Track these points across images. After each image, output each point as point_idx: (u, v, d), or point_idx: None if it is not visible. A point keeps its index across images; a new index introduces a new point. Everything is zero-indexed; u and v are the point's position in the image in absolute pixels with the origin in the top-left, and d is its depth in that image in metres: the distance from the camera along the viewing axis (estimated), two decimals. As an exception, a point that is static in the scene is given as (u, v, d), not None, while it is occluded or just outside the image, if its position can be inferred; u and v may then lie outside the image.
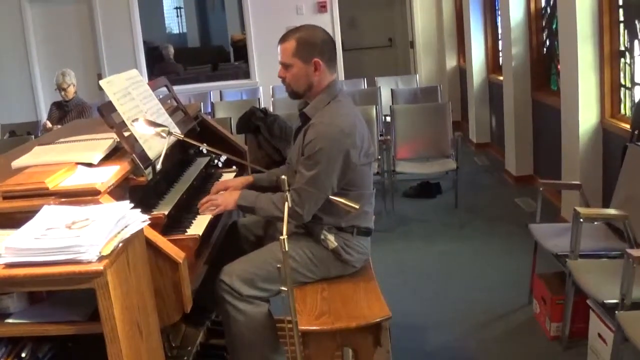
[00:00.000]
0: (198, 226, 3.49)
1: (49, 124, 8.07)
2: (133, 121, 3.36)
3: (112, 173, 3.05)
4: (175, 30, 16.61)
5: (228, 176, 4.51)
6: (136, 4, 11.81)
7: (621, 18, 5.76)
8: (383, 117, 9.17)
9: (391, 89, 9.66)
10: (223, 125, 5.54)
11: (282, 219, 2.91)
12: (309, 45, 3.63)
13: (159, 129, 3.38)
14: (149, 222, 2.85)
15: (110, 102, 3.44)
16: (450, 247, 6.46)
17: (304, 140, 3.59)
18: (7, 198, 2.84)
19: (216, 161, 4.58)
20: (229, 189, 3.91)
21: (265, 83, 11.42)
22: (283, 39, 3.68)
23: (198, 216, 3.63)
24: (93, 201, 2.82)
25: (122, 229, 2.58)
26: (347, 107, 3.72)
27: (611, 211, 4.63)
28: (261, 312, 3.64)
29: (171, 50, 13.12)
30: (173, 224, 3.43)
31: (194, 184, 4.06)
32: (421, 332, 4.84)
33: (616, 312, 3.48)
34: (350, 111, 3.71)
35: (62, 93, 8.10)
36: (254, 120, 7.48)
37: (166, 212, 3.34)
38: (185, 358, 3.72)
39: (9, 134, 8.45)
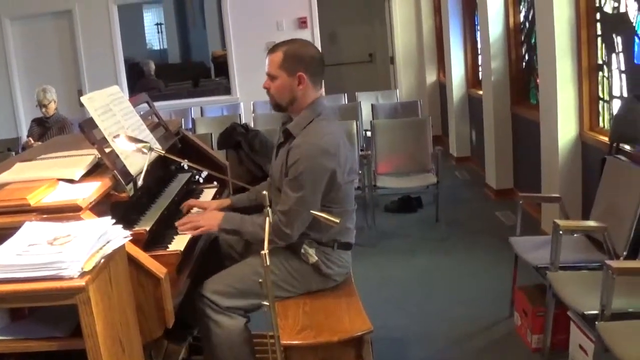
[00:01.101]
0: (180, 242, 3.49)
1: (30, 141, 8.05)
2: (114, 137, 3.37)
3: (93, 189, 3.06)
4: (156, 47, 16.61)
5: (209, 192, 4.51)
6: (117, 20, 11.82)
7: (599, 32, 5.80)
8: (364, 132, 9.19)
9: (371, 104, 9.69)
10: (204, 141, 5.55)
11: (270, 242, 2.92)
12: (295, 58, 3.63)
13: (140, 145, 3.39)
14: (131, 238, 2.86)
15: (91, 119, 3.45)
16: (431, 261, 6.47)
17: (287, 160, 3.59)
18: (-11, 214, 2.84)
19: (197, 177, 4.58)
20: (207, 210, 3.93)
21: (246, 99, 11.44)
22: (271, 50, 3.69)
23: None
24: (75, 217, 2.82)
25: (104, 245, 2.59)
26: (332, 126, 3.71)
27: (590, 223, 4.65)
28: (238, 326, 3.66)
29: (152, 66, 13.11)
30: (155, 240, 3.44)
31: (176, 199, 4.06)
32: (403, 346, 4.85)
33: (596, 323, 3.50)
34: (335, 130, 3.70)
35: (43, 109, 8.09)
36: (235, 136, 7.49)
37: (148, 228, 3.35)
38: (168, 374, 3.73)
39: (-12, 150, 8.43)
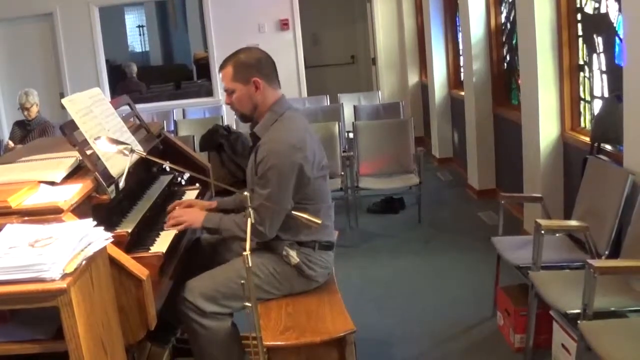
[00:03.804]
0: (162, 243, 3.49)
1: (11, 144, 8.01)
2: (95, 139, 3.36)
3: (74, 191, 3.05)
4: (138, 49, 16.58)
5: (191, 193, 4.51)
6: (98, 22, 11.79)
7: (580, 33, 5.83)
8: (346, 134, 9.20)
9: (354, 106, 9.71)
10: (186, 143, 5.55)
11: (245, 239, 2.92)
12: (245, 66, 3.70)
13: (121, 147, 3.37)
14: (112, 240, 2.85)
15: (72, 121, 3.44)
16: (414, 262, 6.48)
17: (256, 160, 3.65)
18: (-31, 217, 2.83)
19: (179, 179, 4.58)
20: (193, 208, 3.95)
21: (228, 101, 11.40)
22: (221, 67, 3.77)
23: (162, 233, 3.63)
24: (56, 219, 2.81)
25: (86, 247, 2.58)
26: (296, 123, 3.76)
27: (572, 223, 4.67)
28: (225, 326, 3.68)
29: (134, 68, 13.09)
30: (137, 242, 3.43)
31: (157, 201, 4.06)
32: (386, 347, 4.86)
33: (578, 322, 3.51)
34: (300, 126, 3.76)
35: (25, 112, 8.05)
36: (217, 138, 7.51)
37: (129, 230, 3.34)
38: (151, 377, 3.72)
39: (-30, 153, 8.38)
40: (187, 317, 3.64)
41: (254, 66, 3.70)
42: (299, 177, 3.59)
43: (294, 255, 3.69)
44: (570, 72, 5.94)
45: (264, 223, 3.57)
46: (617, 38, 5.16)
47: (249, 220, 2.96)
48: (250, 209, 2.98)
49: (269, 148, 3.58)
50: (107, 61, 12.21)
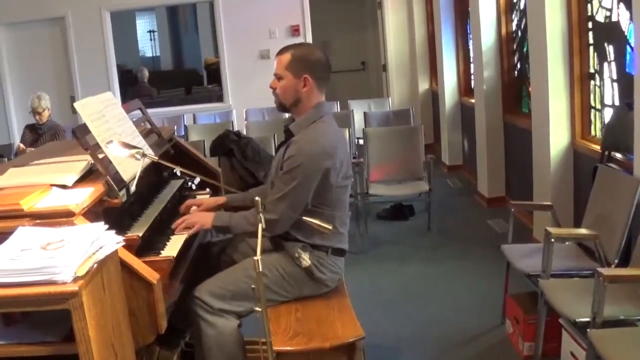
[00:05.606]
0: (172, 247, 3.50)
1: (22, 147, 8.02)
2: (107, 143, 3.37)
3: (86, 195, 3.06)
4: (149, 54, 16.58)
5: (202, 198, 4.52)
6: (110, 27, 11.82)
7: (591, 41, 5.83)
8: (356, 140, 9.20)
9: (364, 112, 9.71)
10: (196, 148, 5.55)
11: (255, 234, 2.93)
12: (302, 60, 3.73)
13: (133, 151, 3.39)
14: (124, 243, 2.86)
15: (84, 125, 3.45)
16: (423, 269, 6.48)
17: (284, 155, 3.67)
18: (-18, 219, 2.84)
19: (190, 183, 4.59)
20: (201, 207, 3.97)
21: (238, 106, 11.43)
22: (280, 52, 3.79)
23: (172, 237, 3.64)
24: (68, 222, 2.82)
25: (97, 250, 2.59)
26: (332, 128, 3.80)
27: (582, 231, 4.66)
28: (231, 327, 3.68)
29: (145, 73, 13.11)
30: (147, 246, 3.44)
31: (168, 205, 4.07)
32: (395, 353, 4.85)
33: (588, 330, 3.50)
34: (334, 133, 3.79)
35: (37, 117, 8.04)
36: (228, 143, 7.50)
37: (140, 234, 3.35)
38: (160, 381, 3.73)
39: (-19, 157, 8.39)
40: (196, 314, 3.65)
41: (311, 64, 3.75)
42: (322, 181, 3.62)
43: (306, 258, 3.70)
44: (581, 80, 5.94)
45: (277, 216, 3.60)
46: (628, 46, 5.16)
47: (260, 225, 2.96)
48: (261, 215, 2.99)
49: (300, 147, 3.62)
50: (117, 65, 12.24)
